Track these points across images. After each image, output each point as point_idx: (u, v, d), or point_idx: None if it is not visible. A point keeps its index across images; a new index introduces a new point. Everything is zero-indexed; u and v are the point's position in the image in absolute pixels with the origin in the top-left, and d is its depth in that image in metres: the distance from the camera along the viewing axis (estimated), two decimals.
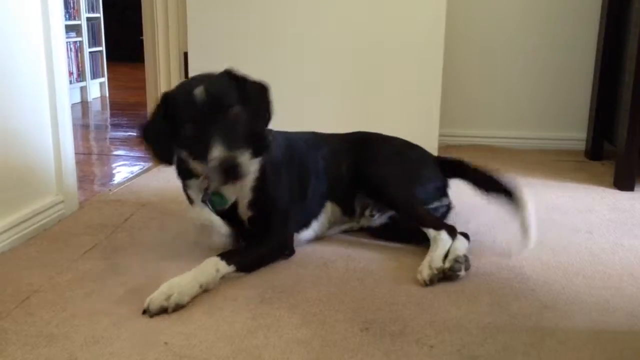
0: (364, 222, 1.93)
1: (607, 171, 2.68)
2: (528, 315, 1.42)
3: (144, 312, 1.39)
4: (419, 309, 1.44)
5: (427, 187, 1.90)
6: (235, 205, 1.69)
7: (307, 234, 1.83)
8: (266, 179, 1.68)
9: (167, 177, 2.42)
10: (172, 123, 1.55)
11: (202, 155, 1.49)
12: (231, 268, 1.55)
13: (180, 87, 1.60)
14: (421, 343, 1.29)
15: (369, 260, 1.73)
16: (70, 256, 1.72)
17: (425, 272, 1.58)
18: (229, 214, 1.69)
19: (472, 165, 1.94)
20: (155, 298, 1.41)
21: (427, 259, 1.62)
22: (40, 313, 1.41)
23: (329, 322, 1.38)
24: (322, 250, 1.80)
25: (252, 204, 1.69)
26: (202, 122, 1.48)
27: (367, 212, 1.91)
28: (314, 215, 1.84)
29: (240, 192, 1.67)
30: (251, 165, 1.52)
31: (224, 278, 1.55)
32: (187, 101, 1.51)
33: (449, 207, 1.96)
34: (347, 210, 1.92)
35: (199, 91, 1.50)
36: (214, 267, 1.52)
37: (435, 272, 1.57)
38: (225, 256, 1.56)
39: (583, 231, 1.98)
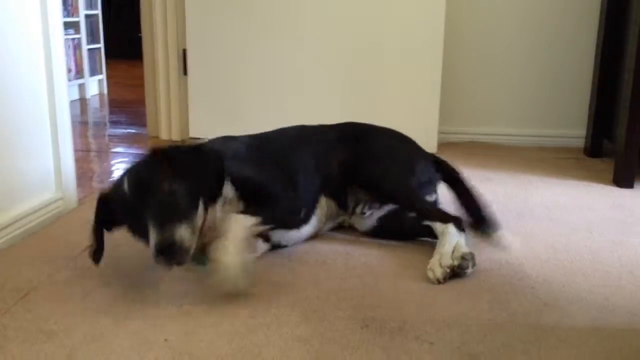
0: (355, 219, 1.92)
1: (607, 168, 2.68)
2: (528, 313, 1.42)
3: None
4: (418, 306, 1.44)
5: (421, 181, 1.90)
6: None
7: (306, 229, 1.82)
8: (242, 180, 1.64)
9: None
10: (114, 222, 1.54)
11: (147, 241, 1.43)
12: (255, 220, 1.53)
13: (112, 187, 1.54)
14: (421, 340, 1.29)
15: (368, 258, 1.73)
16: (69, 253, 1.71)
17: (437, 270, 1.57)
18: None
19: (467, 183, 1.92)
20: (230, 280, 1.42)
21: (437, 257, 1.61)
22: (39, 310, 1.41)
23: (329, 320, 1.37)
24: (321, 248, 1.79)
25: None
26: (135, 213, 1.43)
27: (358, 209, 1.91)
28: (310, 209, 1.82)
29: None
30: (192, 236, 1.42)
31: None
32: (117, 199, 1.48)
33: (436, 203, 1.94)
34: (342, 205, 1.91)
35: (125, 185, 1.46)
36: (244, 224, 1.51)
37: (448, 270, 1.57)
38: (250, 213, 1.54)
39: (582, 229, 1.97)
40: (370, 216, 1.89)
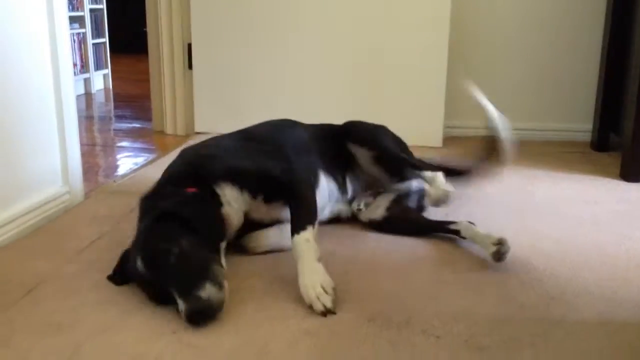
0: (363, 214, 1.93)
1: (614, 162, 2.67)
2: (535, 306, 1.41)
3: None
4: (425, 300, 1.44)
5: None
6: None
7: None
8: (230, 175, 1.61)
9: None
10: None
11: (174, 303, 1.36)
12: (311, 228, 1.52)
13: (128, 265, 1.45)
14: (427, 334, 1.29)
15: (373, 252, 1.73)
16: (76, 247, 1.72)
17: (491, 248, 1.61)
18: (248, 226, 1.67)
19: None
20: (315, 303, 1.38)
21: (482, 240, 1.67)
22: (46, 303, 1.42)
23: (336, 313, 1.37)
24: (326, 242, 1.78)
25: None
26: (157, 286, 1.37)
27: (354, 205, 1.94)
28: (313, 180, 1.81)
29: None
30: (219, 291, 1.34)
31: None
32: (135, 277, 1.43)
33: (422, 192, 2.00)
34: (343, 188, 1.95)
35: (139, 264, 1.38)
36: (305, 240, 1.49)
37: (498, 246, 1.61)
38: (297, 229, 1.51)
39: (589, 223, 1.97)
40: (377, 206, 1.90)
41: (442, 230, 1.82)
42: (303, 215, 1.56)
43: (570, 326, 1.33)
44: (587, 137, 3.11)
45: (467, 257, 1.68)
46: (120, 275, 1.49)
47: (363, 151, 1.96)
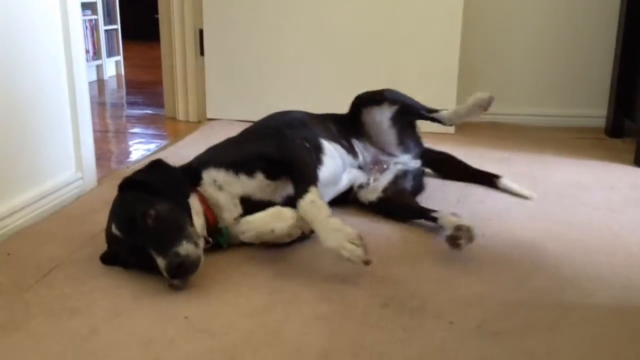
0: (360, 193, 1.93)
1: (628, 149, 2.64)
2: (549, 292, 1.41)
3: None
4: (438, 285, 1.44)
5: None
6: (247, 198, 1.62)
7: (325, 172, 1.76)
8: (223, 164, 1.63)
9: (183, 155, 2.41)
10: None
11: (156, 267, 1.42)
12: (314, 189, 1.50)
13: (106, 235, 1.53)
14: (441, 319, 1.29)
15: (387, 237, 1.73)
16: (89, 232, 1.73)
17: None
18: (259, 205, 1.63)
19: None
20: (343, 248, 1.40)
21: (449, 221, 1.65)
22: (61, 287, 1.43)
23: (348, 298, 1.37)
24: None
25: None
26: (136, 249, 1.43)
27: (355, 186, 1.94)
28: (317, 151, 1.79)
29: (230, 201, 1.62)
30: (196, 249, 1.41)
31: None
32: (114, 242, 1.49)
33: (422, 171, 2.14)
34: (351, 150, 1.95)
35: (114, 229, 1.46)
36: (310, 202, 1.48)
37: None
38: (299, 193, 1.50)
39: (604, 208, 1.95)
40: (375, 187, 1.92)
41: (425, 217, 1.77)
42: (301, 177, 1.56)
43: (585, 312, 1.32)
44: (601, 123, 3.07)
45: (481, 243, 1.67)
46: (111, 256, 1.53)
47: (383, 108, 2.00)
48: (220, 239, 1.59)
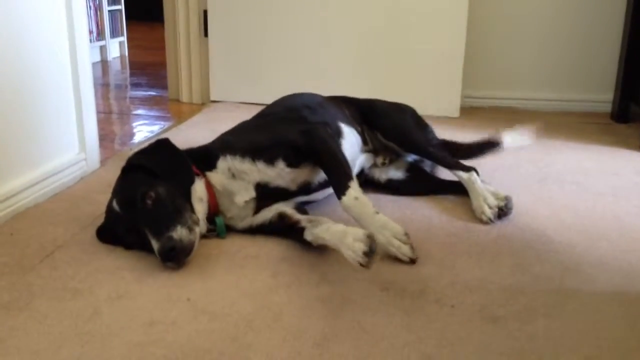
0: (379, 172, 1.94)
1: (634, 134, 2.63)
2: (550, 278, 1.41)
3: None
4: (439, 270, 1.44)
5: (430, 137, 2.02)
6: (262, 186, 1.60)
7: (346, 145, 1.78)
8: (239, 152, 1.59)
9: (187, 137, 2.42)
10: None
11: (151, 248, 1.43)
12: (353, 183, 1.49)
13: (105, 213, 1.55)
14: (441, 303, 1.29)
15: None
16: (92, 213, 1.73)
17: (487, 211, 1.69)
18: (275, 194, 1.61)
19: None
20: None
21: (479, 200, 1.72)
22: (64, 268, 1.43)
23: (349, 282, 1.38)
24: (341, 210, 1.79)
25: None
26: (133, 228, 1.45)
27: (379, 160, 1.94)
28: (337, 136, 1.78)
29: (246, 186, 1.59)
30: (190, 234, 1.42)
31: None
32: (113, 218, 1.50)
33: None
34: (364, 137, 1.94)
35: (115, 206, 1.48)
36: (354, 199, 1.47)
37: (496, 209, 1.69)
38: (341, 189, 1.49)
39: (608, 194, 1.95)
40: (395, 169, 1.93)
41: (458, 188, 1.85)
42: (336, 171, 1.54)
43: (586, 297, 1.32)
44: (607, 107, 3.06)
45: (482, 228, 1.68)
46: (107, 230, 1.55)
47: (390, 144, 1.95)
48: (217, 228, 1.58)
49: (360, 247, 1.30)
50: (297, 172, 1.61)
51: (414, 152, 1.94)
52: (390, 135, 1.93)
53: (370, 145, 1.97)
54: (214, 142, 1.73)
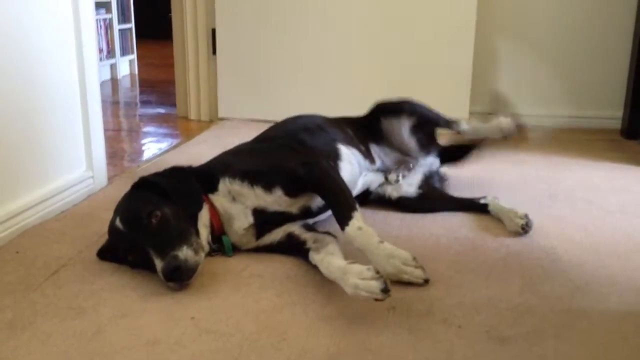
0: (390, 190, 1.93)
1: None
2: (560, 297, 1.38)
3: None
4: (446, 289, 1.42)
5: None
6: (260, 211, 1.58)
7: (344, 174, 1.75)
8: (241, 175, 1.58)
9: (195, 154, 2.42)
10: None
11: (155, 268, 1.42)
12: (357, 214, 1.46)
13: (110, 224, 1.53)
14: (449, 323, 1.27)
15: (395, 239, 1.71)
16: (99, 231, 1.72)
17: (519, 221, 1.72)
18: (278, 217, 1.60)
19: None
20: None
21: (508, 216, 1.76)
22: (69, 286, 1.43)
23: (355, 301, 1.35)
24: None
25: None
26: (135, 246, 1.44)
27: (392, 177, 1.94)
28: (333, 157, 1.76)
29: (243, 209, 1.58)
30: (196, 255, 1.41)
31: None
32: (115, 235, 1.49)
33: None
34: (368, 156, 1.93)
35: (118, 223, 1.47)
36: (357, 229, 1.43)
37: (526, 219, 1.72)
38: (344, 220, 1.45)
39: (617, 211, 1.92)
40: (407, 186, 1.93)
41: (473, 206, 1.90)
42: (341, 203, 1.50)
43: (596, 317, 1.30)
44: (617, 124, 3.03)
45: (491, 246, 1.66)
46: (109, 251, 1.54)
47: (402, 120, 1.97)
48: (222, 248, 1.58)
49: (377, 285, 1.26)
50: (294, 200, 1.59)
51: (422, 119, 1.99)
52: (400, 110, 1.98)
53: (378, 162, 1.96)
54: (213, 161, 1.72)
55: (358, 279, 1.29)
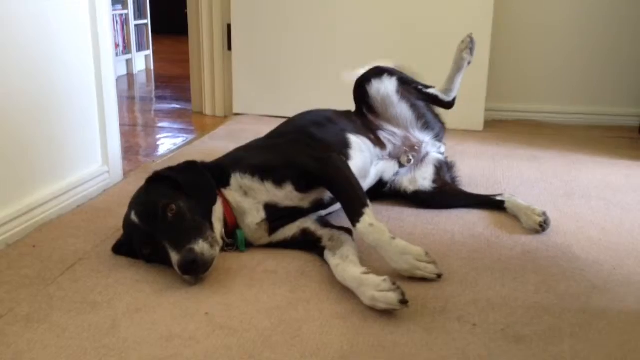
0: (407, 183, 1.92)
1: None
2: (576, 296, 1.37)
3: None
4: (462, 287, 1.41)
5: None
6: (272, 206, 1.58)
7: (354, 164, 1.74)
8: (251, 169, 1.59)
9: (210, 150, 2.42)
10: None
11: (170, 262, 1.42)
12: (368, 210, 1.45)
13: (123, 223, 1.55)
14: (464, 321, 1.27)
15: (410, 235, 1.70)
16: (115, 225, 1.73)
17: (538, 218, 1.71)
18: (288, 213, 1.60)
19: None
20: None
21: (525, 213, 1.75)
22: (84, 280, 1.44)
23: None
24: None
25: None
26: (150, 239, 1.44)
27: (403, 160, 1.93)
28: (343, 149, 1.76)
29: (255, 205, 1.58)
30: (212, 249, 1.41)
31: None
32: (131, 229, 1.50)
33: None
34: (377, 142, 1.92)
35: (133, 216, 1.47)
36: (368, 226, 1.43)
37: (544, 216, 1.71)
38: (355, 217, 1.45)
39: (635, 210, 1.90)
40: (418, 177, 1.93)
41: (489, 203, 1.88)
42: (350, 198, 1.50)
43: (613, 317, 1.28)
44: (635, 122, 3.00)
45: (506, 244, 1.64)
46: (124, 246, 1.55)
47: (384, 81, 1.99)
48: (236, 242, 1.58)
49: (395, 297, 1.27)
50: (305, 195, 1.60)
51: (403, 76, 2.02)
52: (381, 72, 2.01)
53: (389, 147, 1.94)
54: (226, 157, 1.73)
55: (375, 291, 1.29)
